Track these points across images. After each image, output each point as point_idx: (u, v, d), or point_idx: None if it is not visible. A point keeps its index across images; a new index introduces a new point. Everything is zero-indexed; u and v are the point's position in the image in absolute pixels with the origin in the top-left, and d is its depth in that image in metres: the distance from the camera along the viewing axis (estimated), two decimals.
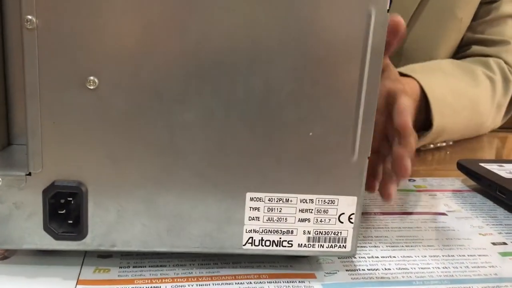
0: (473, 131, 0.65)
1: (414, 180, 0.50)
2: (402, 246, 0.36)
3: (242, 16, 0.26)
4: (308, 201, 0.29)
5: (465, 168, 0.48)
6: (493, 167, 0.48)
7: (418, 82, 0.54)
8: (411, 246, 0.36)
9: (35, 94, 0.26)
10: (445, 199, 0.45)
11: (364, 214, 0.40)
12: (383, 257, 0.34)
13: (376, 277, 0.31)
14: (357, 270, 0.32)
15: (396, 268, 0.32)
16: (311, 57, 0.27)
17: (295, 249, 0.30)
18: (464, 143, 0.65)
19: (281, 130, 0.27)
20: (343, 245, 0.30)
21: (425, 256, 0.34)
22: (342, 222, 0.29)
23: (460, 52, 0.69)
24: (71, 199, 0.28)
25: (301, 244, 0.29)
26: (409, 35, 0.65)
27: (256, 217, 0.29)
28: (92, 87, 0.26)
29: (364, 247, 0.35)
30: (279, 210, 0.29)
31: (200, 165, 0.28)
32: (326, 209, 0.29)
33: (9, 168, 0.28)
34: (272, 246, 0.29)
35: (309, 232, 0.29)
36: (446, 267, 0.33)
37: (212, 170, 0.28)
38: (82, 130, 0.27)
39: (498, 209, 0.44)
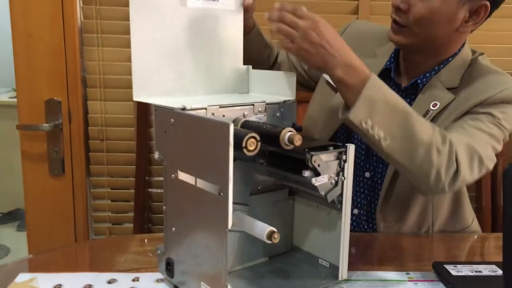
0: (405, 132, 0.85)
1: (409, 273, 0.90)
2: None
3: None
4: None
5: (434, 268, 0.89)
6: (450, 267, 0.88)
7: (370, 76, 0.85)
8: None
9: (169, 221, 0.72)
10: (422, 286, 0.86)
11: None
12: None
13: None
14: None
15: None
16: None
17: None
18: (446, 247, 1.04)
19: None
20: None
21: None
22: None
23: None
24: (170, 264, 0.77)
25: None
26: None
27: None
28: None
29: None
30: None
31: None
32: None
33: None
34: None
35: None
36: None
37: None
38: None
39: None
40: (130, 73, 1.59)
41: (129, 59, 1.60)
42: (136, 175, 1.58)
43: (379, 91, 0.86)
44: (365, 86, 0.84)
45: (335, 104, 1.05)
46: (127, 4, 1.55)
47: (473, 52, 1.08)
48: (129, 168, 1.62)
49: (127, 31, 1.59)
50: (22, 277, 0.84)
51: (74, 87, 1.53)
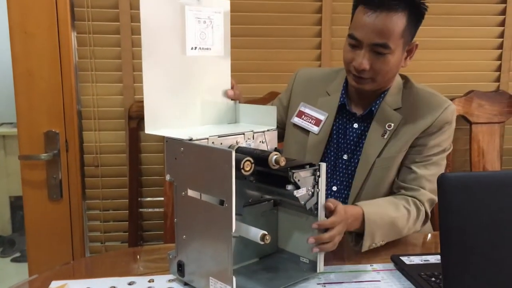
0: (395, 235, 1.20)
1: (372, 265, 1.11)
2: None
3: None
4: None
5: (392, 259, 1.10)
6: (404, 258, 1.10)
7: (361, 208, 1.12)
8: None
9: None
10: (383, 274, 1.07)
11: (336, 283, 1.02)
12: None
13: None
14: None
15: None
16: None
17: None
18: (403, 243, 1.26)
19: None
20: None
21: None
22: None
23: (393, 193, 1.29)
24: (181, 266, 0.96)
25: None
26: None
27: None
28: None
29: None
30: None
31: None
32: None
33: None
34: None
35: None
36: None
37: None
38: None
39: (402, 278, 1.05)
40: (121, 106, 1.79)
41: (119, 93, 1.80)
42: (129, 197, 1.75)
43: (374, 223, 1.13)
44: (365, 227, 1.12)
45: (312, 141, 1.34)
46: (117, 45, 1.76)
47: (401, 76, 1.35)
48: (122, 191, 1.78)
49: (117, 69, 1.80)
50: (55, 284, 1.01)
51: (71, 119, 1.70)
